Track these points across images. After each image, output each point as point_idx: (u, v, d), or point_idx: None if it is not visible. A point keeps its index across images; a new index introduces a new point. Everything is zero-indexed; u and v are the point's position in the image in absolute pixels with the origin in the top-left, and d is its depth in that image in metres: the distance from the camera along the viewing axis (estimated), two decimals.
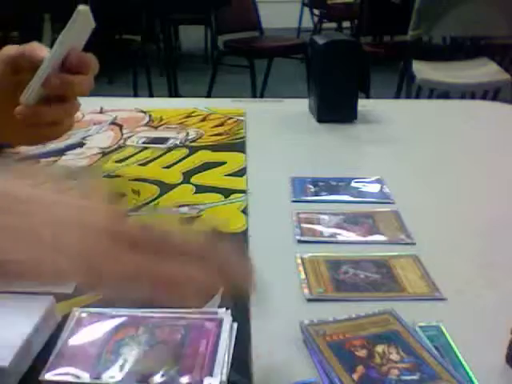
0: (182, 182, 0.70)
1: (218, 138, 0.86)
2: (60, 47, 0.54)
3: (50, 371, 0.38)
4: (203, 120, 0.94)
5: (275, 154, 0.82)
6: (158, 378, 0.37)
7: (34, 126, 0.58)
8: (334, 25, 5.69)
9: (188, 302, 0.37)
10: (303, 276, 0.51)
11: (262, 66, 3.98)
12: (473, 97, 2.71)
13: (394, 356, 0.40)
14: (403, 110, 1.07)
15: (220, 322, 0.42)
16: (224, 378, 0.37)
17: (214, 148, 0.81)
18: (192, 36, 5.75)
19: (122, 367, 0.38)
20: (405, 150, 0.83)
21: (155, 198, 0.65)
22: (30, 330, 0.39)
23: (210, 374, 0.37)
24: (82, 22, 0.53)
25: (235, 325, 0.43)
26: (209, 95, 3.65)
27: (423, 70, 2.74)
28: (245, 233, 0.58)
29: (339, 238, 0.59)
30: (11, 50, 0.61)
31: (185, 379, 0.37)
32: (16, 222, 0.33)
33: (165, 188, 0.68)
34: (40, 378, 0.37)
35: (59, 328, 0.42)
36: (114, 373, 0.37)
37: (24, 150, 0.79)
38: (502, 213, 0.64)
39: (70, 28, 0.53)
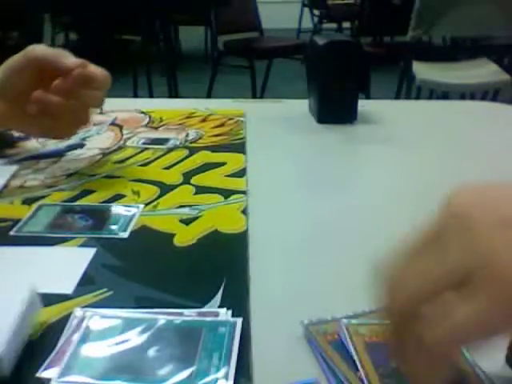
0: (182, 183, 0.70)
1: (218, 138, 0.86)
2: None
3: (47, 369, 0.38)
4: (203, 121, 0.94)
5: (275, 154, 0.82)
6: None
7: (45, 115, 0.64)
8: (334, 25, 5.70)
9: None
10: None
11: (262, 66, 3.98)
12: (472, 97, 2.71)
13: None
14: (403, 110, 1.07)
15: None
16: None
17: (214, 149, 0.81)
18: (192, 36, 5.75)
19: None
20: (405, 151, 0.83)
21: (155, 199, 0.65)
22: (17, 316, 0.39)
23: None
24: None
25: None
26: (209, 96, 3.66)
27: (423, 71, 2.74)
28: (245, 233, 0.58)
29: None
30: (38, 50, 0.61)
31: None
32: None
33: (165, 189, 0.68)
34: (38, 375, 0.37)
35: (60, 328, 0.42)
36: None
37: (23, 150, 0.79)
38: None
39: None
